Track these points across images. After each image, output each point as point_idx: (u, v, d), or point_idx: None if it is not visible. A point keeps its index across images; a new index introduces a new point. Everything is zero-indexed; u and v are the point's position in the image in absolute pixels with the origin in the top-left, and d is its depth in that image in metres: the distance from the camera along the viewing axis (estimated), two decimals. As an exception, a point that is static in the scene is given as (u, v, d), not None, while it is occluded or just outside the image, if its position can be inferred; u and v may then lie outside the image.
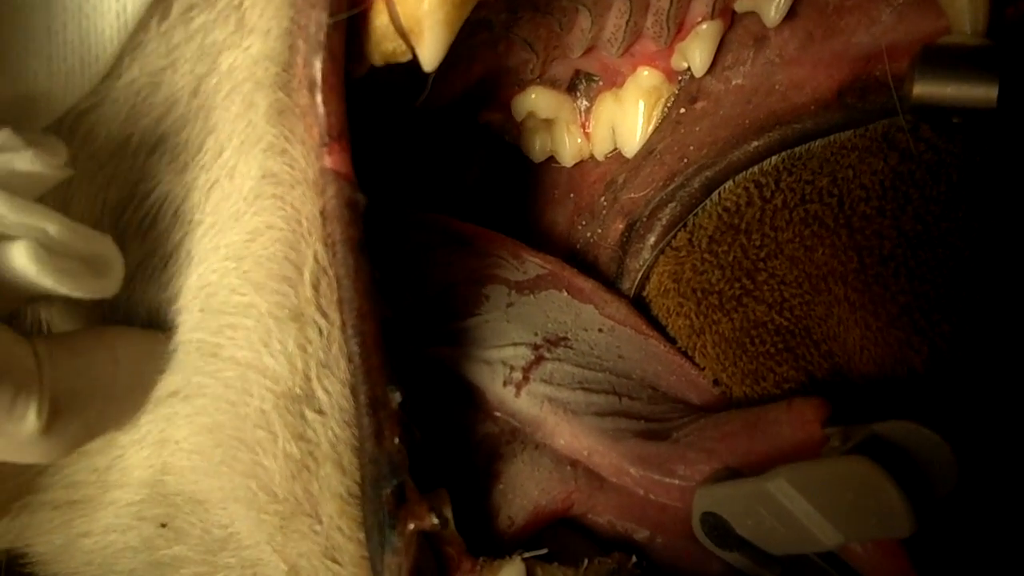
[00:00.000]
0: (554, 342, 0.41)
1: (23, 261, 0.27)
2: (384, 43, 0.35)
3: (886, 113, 0.35)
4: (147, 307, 0.34)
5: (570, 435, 0.39)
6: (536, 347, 0.40)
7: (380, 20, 0.34)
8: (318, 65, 0.33)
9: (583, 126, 0.48)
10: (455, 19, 0.33)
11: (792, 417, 0.34)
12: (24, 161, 0.26)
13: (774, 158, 0.38)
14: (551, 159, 0.51)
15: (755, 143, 0.38)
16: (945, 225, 0.34)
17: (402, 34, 0.34)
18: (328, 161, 0.33)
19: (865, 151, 0.35)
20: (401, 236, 0.43)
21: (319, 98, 0.33)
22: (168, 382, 0.34)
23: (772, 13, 0.39)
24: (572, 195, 0.48)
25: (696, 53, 0.41)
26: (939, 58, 0.33)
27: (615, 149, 0.47)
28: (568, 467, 0.39)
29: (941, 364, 0.34)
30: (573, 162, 0.49)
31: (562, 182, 0.50)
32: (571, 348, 0.41)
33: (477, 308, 0.41)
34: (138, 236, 0.33)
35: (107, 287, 0.30)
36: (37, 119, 0.29)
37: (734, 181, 0.39)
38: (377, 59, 0.35)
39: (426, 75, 0.46)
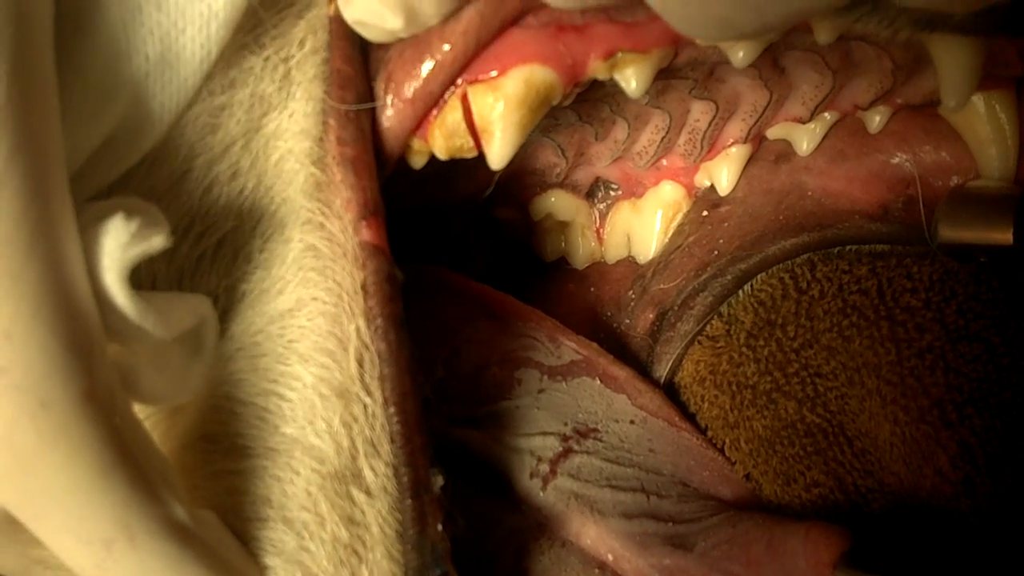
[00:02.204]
0: (584, 434, 0.41)
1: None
2: (454, 139, 0.36)
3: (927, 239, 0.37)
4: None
5: (596, 536, 0.39)
6: (565, 438, 0.40)
7: (453, 117, 0.36)
8: (350, 142, 0.34)
9: (598, 231, 0.50)
10: (528, 123, 0.35)
11: (808, 551, 0.34)
12: (160, 240, 0.26)
13: (809, 254, 0.39)
14: (562, 260, 0.52)
15: (792, 240, 0.40)
16: (984, 322, 0.35)
17: (473, 132, 0.36)
18: (366, 235, 0.34)
19: (907, 255, 0.37)
20: (437, 307, 0.43)
21: (353, 174, 0.34)
22: (198, 423, 0.33)
23: (805, 144, 0.41)
24: (592, 288, 0.49)
25: (724, 174, 0.44)
26: (963, 203, 0.37)
27: (628, 256, 0.49)
28: (596, 570, 0.38)
29: (969, 462, 0.34)
30: (584, 265, 0.50)
31: (578, 278, 0.51)
32: (601, 441, 0.40)
33: (508, 392, 0.41)
34: (189, 271, 0.33)
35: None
36: (130, 158, 0.29)
37: (767, 273, 0.40)
38: (444, 154, 0.37)
39: (450, 173, 0.48)
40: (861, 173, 0.41)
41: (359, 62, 0.35)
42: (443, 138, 0.36)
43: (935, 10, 0.29)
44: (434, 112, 0.36)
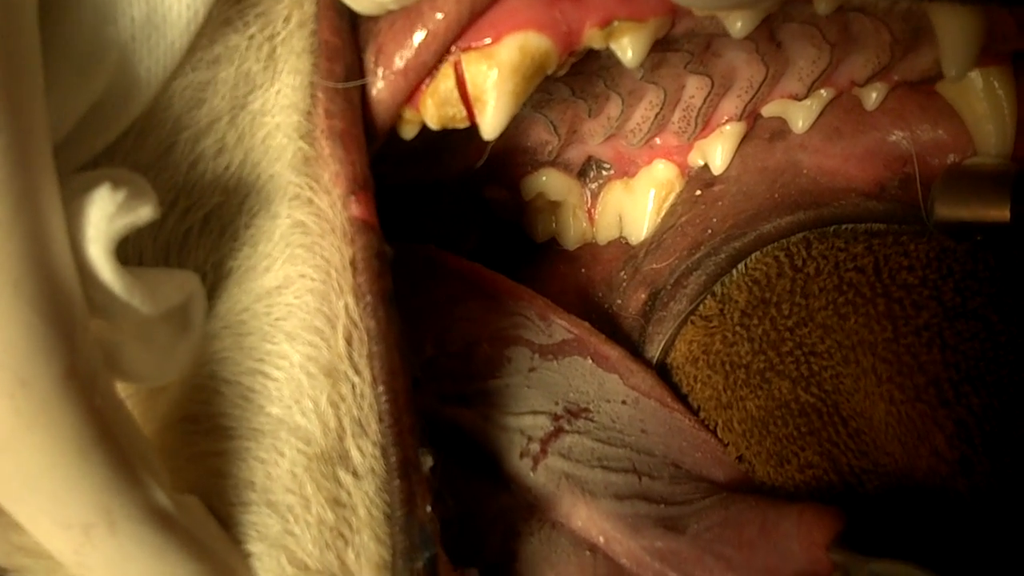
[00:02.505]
0: (575, 413, 0.40)
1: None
2: (446, 108, 0.35)
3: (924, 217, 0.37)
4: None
5: (587, 517, 0.38)
6: (556, 417, 0.40)
7: (446, 85, 0.35)
8: (338, 114, 0.33)
9: (589, 212, 0.49)
10: (522, 91, 0.34)
11: (801, 533, 0.34)
12: (148, 212, 0.25)
13: (804, 233, 0.39)
14: (552, 241, 0.51)
15: (788, 218, 0.39)
16: (981, 300, 0.34)
17: (465, 101, 0.35)
18: (355, 210, 0.33)
19: (903, 233, 0.37)
20: (427, 285, 0.43)
21: (341, 148, 0.33)
22: (180, 403, 0.32)
23: (801, 121, 0.41)
24: (583, 269, 0.48)
25: (717, 152, 0.43)
26: (959, 181, 0.37)
27: (619, 236, 0.48)
28: (587, 552, 0.38)
29: (966, 441, 0.34)
30: (575, 246, 0.50)
31: (568, 259, 0.50)
32: (592, 420, 0.40)
33: (498, 370, 0.40)
34: (176, 246, 0.32)
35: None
36: (117, 126, 0.28)
37: (761, 252, 0.40)
38: (436, 123, 0.36)
39: (440, 147, 0.46)
40: (857, 151, 0.40)
41: (348, 33, 0.34)
42: (435, 107, 0.35)
43: None
44: (426, 81, 0.35)
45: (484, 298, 0.41)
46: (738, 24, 0.34)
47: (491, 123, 0.35)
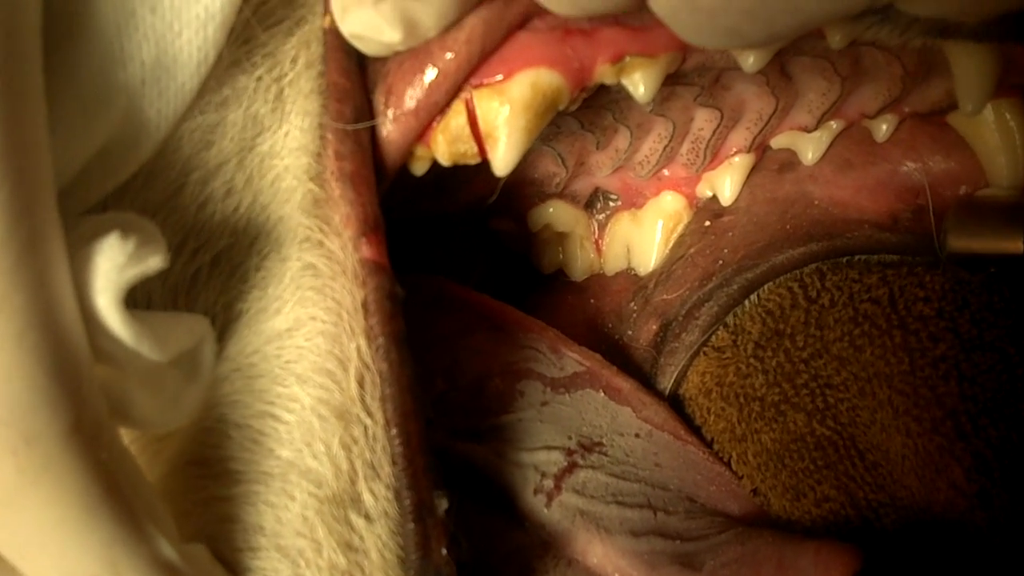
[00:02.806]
0: (588, 447, 0.40)
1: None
2: (457, 144, 0.35)
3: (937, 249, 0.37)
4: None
5: (603, 555, 0.37)
6: (570, 452, 0.39)
7: (457, 121, 0.35)
8: (348, 156, 0.33)
9: (596, 243, 0.49)
10: (535, 128, 0.34)
11: (819, 571, 0.33)
12: (157, 261, 0.25)
13: (817, 263, 0.38)
14: (560, 272, 0.51)
15: (801, 249, 0.39)
16: (998, 332, 0.34)
17: (477, 138, 0.35)
18: (367, 252, 0.32)
19: (918, 264, 0.37)
20: (436, 318, 0.42)
21: (352, 190, 0.33)
22: (188, 446, 0.31)
23: (810, 153, 0.41)
24: (592, 300, 0.48)
25: (726, 184, 0.43)
26: (972, 212, 0.37)
27: (627, 267, 0.48)
28: (603, 590, 0.37)
29: (984, 474, 0.33)
30: (583, 277, 0.49)
31: (576, 290, 0.50)
32: (606, 455, 0.39)
33: (511, 405, 0.40)
34: (184, 288, 0.32)
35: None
36: (126, 168, 0.28)
37: (774, 282, 0.39)
38: (447, 159, 0.36)
39: (450, 181, 0.46)
40: (869, 182, 0.40)
41: (356, 75, 0.34)
42: (446, 143, 0.35)
43: (947, 18, 0.28)
44: (437, 118, 0.35)
45: (494, 330, 0.41)
46: (750, 59, 0.34)
47: (503, 160, 0.35)
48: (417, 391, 0.32)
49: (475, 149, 0.35)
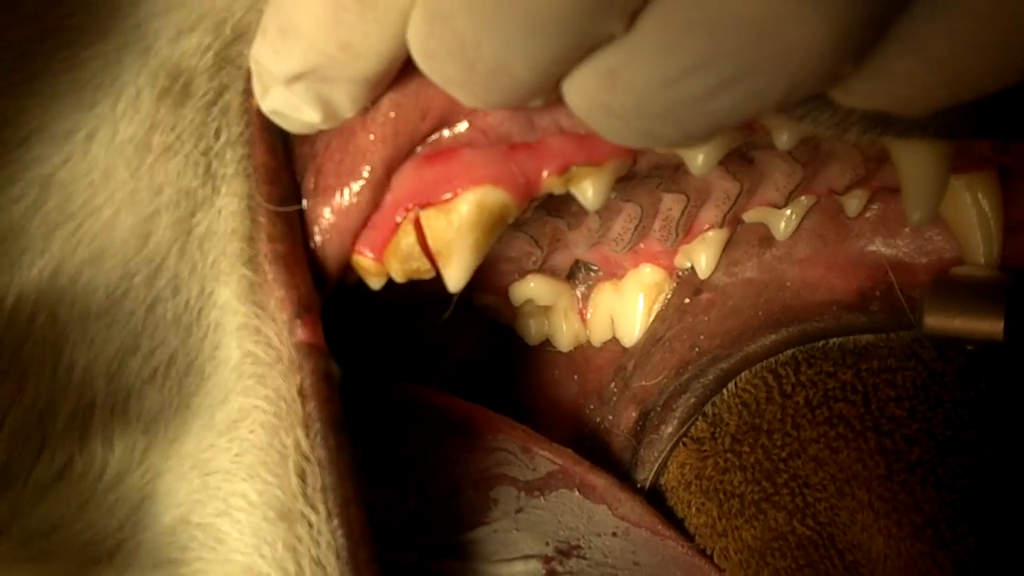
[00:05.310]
0: (566, 552, 0.39)
1: None
2: (410, 262, 0.35)
3: (912, 324, 0.36)
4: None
5: (585, 668, 0.37)
6: (548, 560, 0.39)
7: (407, 240, 0.35)
8: (279, 238, 0.33)
9: (581, 313, 0.48)
10: (484, 243, 0.34)
11: None
12: None
13: (792, 350, 0.38)
14: (547, 342, 0.51)
15: (772, 336, 0.38)
16: (974, 432, 0.33)
17: (428, 255, 0.35)
18: (301, 334, 0.32)
19: (890, 354, 0.36)
20: (406, 427, 0.42)
21: (285, 271, 0.33)
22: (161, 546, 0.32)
23: (782, 227, 0.40)
24: (576, 377, 0.47)
25: (702, 257, 0.42)
26: (949, 290, 0.35)
27: (613, 337, 0.47)
28: None
29: None
30: (569, 348, 0.49)
31: (563, 363, 0.49)
32: (584, 558, 0.39)
33: (485, 515, 0.39)
34: (138, 392, 0.32)
35: None
36: None
37: (751, 371, 0.39)
38: (401, 276, 0.36)
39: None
40: (839, 260, 0.39)
41: (283, 154, 0.34)
42: (399, 263, 0.35)
43: (887, 111, 0.27)
44: (390, 239, 0.35)
45: (463, 435, 0.41)
46: (699, 160, 0.33)
47: (455, 276, 0.35)
48: (357, 477, 0.32)
49: (428, 265, 0.35)
